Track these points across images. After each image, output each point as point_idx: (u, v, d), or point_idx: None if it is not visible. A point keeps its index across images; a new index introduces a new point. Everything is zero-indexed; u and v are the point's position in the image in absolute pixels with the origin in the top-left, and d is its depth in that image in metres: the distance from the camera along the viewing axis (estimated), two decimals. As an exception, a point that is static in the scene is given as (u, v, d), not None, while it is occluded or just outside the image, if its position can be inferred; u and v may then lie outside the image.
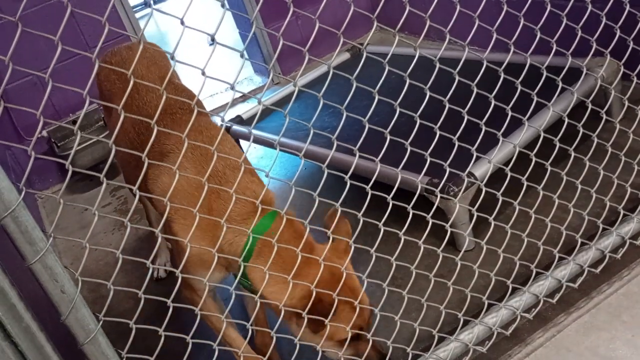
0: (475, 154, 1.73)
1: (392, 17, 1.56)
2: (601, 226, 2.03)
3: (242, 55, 1.33)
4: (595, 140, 1.99)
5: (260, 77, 4.81)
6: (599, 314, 1.92)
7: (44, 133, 3.80)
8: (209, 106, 4.49)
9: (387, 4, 1.51)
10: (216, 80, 1.32)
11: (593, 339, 1.84)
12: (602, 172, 2.05)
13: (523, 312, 1.90)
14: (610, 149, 2.03)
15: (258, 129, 3.28)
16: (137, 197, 1.29)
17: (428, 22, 1.54)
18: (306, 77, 3.84)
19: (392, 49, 1.56)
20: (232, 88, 1.30)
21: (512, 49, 1.73)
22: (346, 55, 3.97)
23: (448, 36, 1.59)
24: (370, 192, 1.52)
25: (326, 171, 1.45)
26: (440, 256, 1.82)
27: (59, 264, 1.18)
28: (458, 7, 1.58)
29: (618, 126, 2.06)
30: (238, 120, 3.55)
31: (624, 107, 2.20)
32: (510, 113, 1.69)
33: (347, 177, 1.48)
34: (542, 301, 1.93)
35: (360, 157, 1.57)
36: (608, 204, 2.09)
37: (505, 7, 1.69)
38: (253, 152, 3.66)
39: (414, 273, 1.77)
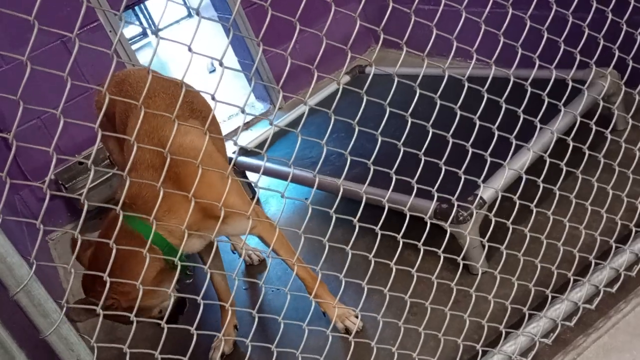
0: (482, 185, 1.72)
1: (390, 34, 1.59)
2: (614, 245, 2.02)
3: (251, 77, 1.35)
4: (602, 160, 1.99)
5: (262, 103, 4.83)
6: (618, 334, 1.90)
7: (52, 176, 3.82)
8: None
9: (388, 22, 1.52)
10: (226, 104, 1.34)
11: (614, 361, 1.83)
12: (611, 192, 2.04)
13: (541, 338, 1.88)
14: (617, 168, 2.03)
15: (261, 159, 3.28)
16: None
17: (432, 36, 1.54)
18: (308, 101, 3.84)
19: (395, 69, 1.57)
20: (243, 112, 1.33)
21: (515, 65, 1.73)
22: (346, 78, 3.97)
23: (452, 52, 1.60)
24: (379, 232, 1.52)
25: (334, 217, 1.45)
26: (455, 284, 1.83)
27: (73, 332, 1.19)
28: (462, 20, 1.57)
29: (624, 145, 2.05)
30: (243, 151, 3.55)
31: (629, 117, 2.19)
32: (514, 142, 1.68)
33: (355, 220, 1.48)
34: (559, 325, 1.91)
35: (369, 184, 1.57)
36: (619, 222, 2.07)
37: (507, 20, 1.69)
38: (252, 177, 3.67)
39: (429, 308, 1.77)
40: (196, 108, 2.46)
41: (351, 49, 1.44)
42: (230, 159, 3.47)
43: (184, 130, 2.06)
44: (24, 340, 1.18)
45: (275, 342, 1.53)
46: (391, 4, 1.45)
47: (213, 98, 1.26)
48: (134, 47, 7.72)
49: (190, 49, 1.21)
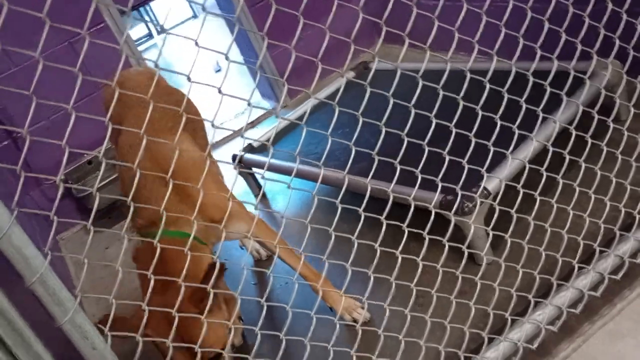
0: (485, 175, 1.75)
1: (393, 28, 1.61)
2: (618, 233, 2.03)
3: (256, 71, 1.39)
4: (605, 149, 2.01)
5: (268, 101, 4.86)
6: (623, 321, 1.92)
7: (62, 175, 3.87)
8: (219, 135, 4.54)
9: (391, 18, 1.54)
10: (233, 97, 1.38)
11: (620, 347, 1.84)
12: (614, 180, 2.06)
13: (547, 325, 1.90)
14: (620, 156, 2.05)
15: (267, 155, 3.31)
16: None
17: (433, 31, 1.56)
18: (314, 98, 3.86)
19: (398, 62, 1.60)
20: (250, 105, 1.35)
21: (516, 56, 1.75)
22: (351, 74, 3.99)
23: (454, 44, 1.62)
24: (385, 222, 1.55)
25: (340, 207, 1.48)
26: (460, 273, 1.85)
27: (87, 321, 1.22)
28: (462, 12, 1.60)
29: (627, 134, 2.07)
30: (249, 148, 3.58)
31: (631, 106, 2.21)
32: (517, 132, 1.70)
33: (360, 209, 1.51)
34: (565, 312, 1.93)
35: (374, 177, 1.60)
36: (623, 210, 2.09)
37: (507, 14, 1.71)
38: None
39: (435, 296, 1.79)
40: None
41: (355, 44, 1.47)
42: (235, 156, 3.52)
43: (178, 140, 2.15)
44: (41, 334, 1.21)
45: (284, 331, 1.56)
46: (392, -1, 1.47)
47: (219, 92, 1.29)
48: (140, 48, 7.78)
49: (197, 44, 1.24)
